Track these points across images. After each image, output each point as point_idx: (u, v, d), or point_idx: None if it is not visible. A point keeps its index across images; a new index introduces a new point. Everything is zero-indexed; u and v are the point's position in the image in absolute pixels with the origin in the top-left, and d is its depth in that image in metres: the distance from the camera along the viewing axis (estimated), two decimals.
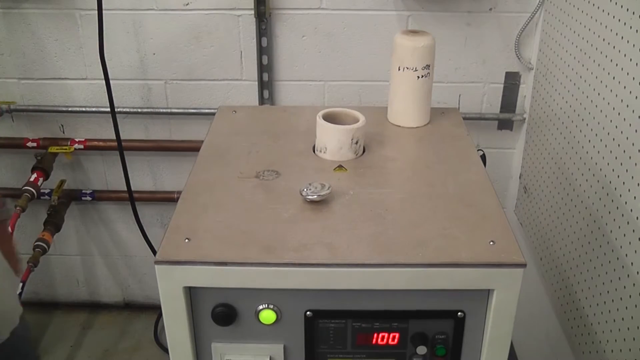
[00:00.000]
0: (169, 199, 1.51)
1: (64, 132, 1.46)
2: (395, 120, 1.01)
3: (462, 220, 0.74)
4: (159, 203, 1.55)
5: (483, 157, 1.35)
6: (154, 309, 1.68)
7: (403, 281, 0.68)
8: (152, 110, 1.43)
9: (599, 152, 1.02)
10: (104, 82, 1.31)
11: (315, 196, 0.76)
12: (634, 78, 0.91)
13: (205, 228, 0.72)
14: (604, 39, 1.01)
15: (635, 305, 0.88)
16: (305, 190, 0.76)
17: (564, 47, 1.18)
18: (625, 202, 0.92)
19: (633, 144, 0.91)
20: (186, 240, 0.69)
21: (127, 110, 1.43)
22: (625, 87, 0.93)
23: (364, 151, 0.91)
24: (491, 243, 0.69)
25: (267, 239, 0.70)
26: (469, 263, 0.67)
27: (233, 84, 1.40)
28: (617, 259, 0.94)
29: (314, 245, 0.69)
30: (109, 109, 1.34)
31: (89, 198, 1.51)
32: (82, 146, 1.43)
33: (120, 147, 1.36)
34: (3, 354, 0.82)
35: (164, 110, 1.43)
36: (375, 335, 0.71)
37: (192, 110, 1.42)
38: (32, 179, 1.40)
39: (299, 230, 0.72)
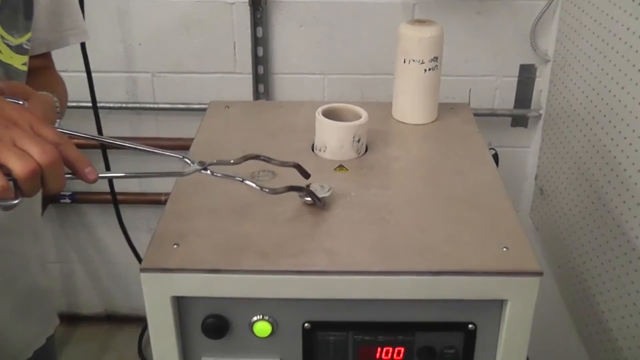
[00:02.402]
0: (156, 201, 1.52)
1: None
2: (401, 117, 1.01)
3: (472, 225, 0.75)
4: (145, 206, 1.56)
5: (495, 157, 1.36)
6: (139, 321, 1.69)
7: (408, 290, 0.68)
8: (138, 105, 1.44)
9: (622, 150, 1.03)
10: (85, 74, 1.32)
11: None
12: None
13: (195, 233, 0.73)
14: (627, 28, 1.01)
15: None
16: (306, 187, 0.77)
17: (584, 36, 1.18)
18: None
19: None
20: (175, 246, 0.70)
21: (111, 105, 1.43)
22: None
23: (366, 150, 0.91)
24: (504, 249, 0.70)
25: (262, 244, 0.71)
26: (480, 271, 0.67)
27: (226, 78, 1.41)
28: None
29: (313, 251, 0.70)
30: (90, 104, 1.35)
31: (68, 200, 1.52)
32: None
33: (103, 145, 1.37)
34: None
35: (151, 106, 1.44)
36: (379, 349, 0.72)
37: (182, 106, 1.43)
38: None
39: (296, 235, 0.72)
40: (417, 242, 0.71)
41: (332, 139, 0.88)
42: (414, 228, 0.74)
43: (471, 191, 0.82)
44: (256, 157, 0.76)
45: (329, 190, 0.77)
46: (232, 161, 0.74)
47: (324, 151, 0.89)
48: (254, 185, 0.72)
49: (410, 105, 0.99)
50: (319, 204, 0.76)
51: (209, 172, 0.72)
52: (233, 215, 0.76)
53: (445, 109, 1.03)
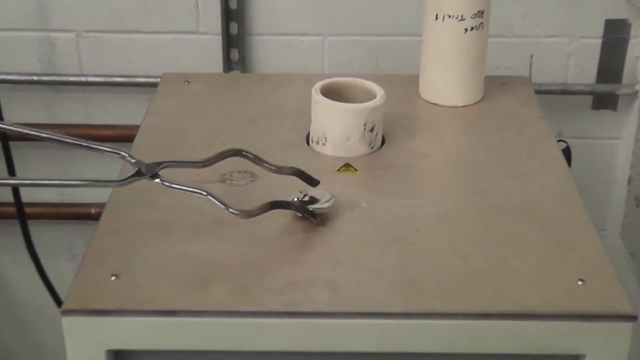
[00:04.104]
0: (83, 215, 1.52)
1: None
2: (431, 96, 1.03)
3: (533, 248, 0.77)
4: (67, 222, 1.56)
5: (567, 152, 1.36)
6: None
7: (442, 340, 0.70)
8: (56, 78, 1.45)
9: None
10: None
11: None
12: None
13: (142, 259, 0.75)
14: None
15: None
16: (295, 201, 0.79)
17: None
18: None
19: None
20: (112, 278, 0.72)
21: (16, 78, 1.44)
22: None
23: (382, 143, 0.94)
24: (579, 283, 0.72)
25: (238, 274, 0.73)
26: (544, 313, 0.69)
27: (184, 40, 1.41)
28: None
29: (309, 283, 0.72)
30: None
31: None
32: None
33: (5, 136, 1.38)
34: None
35: (76, 79, 1.44)
36: None
37: (120, 79, 1.44)
38: None
39: (285, 262, 0.75)
40: (454, 273, 0.74)
41: (335, 128, 0.90)
42: (449, 252, 0.76)
43: (531, 201, 0.84)
44: (237, 152, 0.76)
45: (329, 200, 0.80)
46: (202, 161, 0.75)
47: (324, 144, 0.91)
48: (218, 203, 0.73)
49: (445, 79, 1.01)
50: (314, 222, 0.79)
51: (158, 181, 0.73)
52: (196, 234, 0.78)
53: (495, 85, 1.06)
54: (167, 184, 0.74)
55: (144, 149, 0.91)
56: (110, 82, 1.44)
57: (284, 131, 0.96)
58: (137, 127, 0.98)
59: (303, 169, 0.81)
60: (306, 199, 0.79)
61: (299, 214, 0.79)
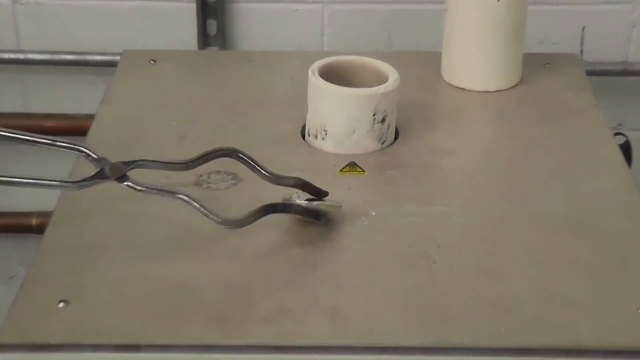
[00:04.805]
0: (21, 226, 1.53)
1: None
2: (456, 79, 1.04)
3: (583, 268, 0.77)
4: (0, 236, 1.57)
5: (626, 147, 1.37)
6: None
7: None
8: None
9: None
10: None
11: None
12: None
13: (98, 281, 0.75)
14: None
15: None
16: (293, 200, 0.79)
17: None
18: None
19: None
20: (60, 305, 0.72)
21: None
22: None
23: (396, 137, 0.94)
24: None
25: (218, 300, 0.73)
26: (598, 349, 0.69)
27: (149, 8, 1.42)
28: None
29: (306, 311, 0.72)
30: None
31: None
32: None
33: None
34: None
35: (12, 56, 1.45)
36: None
37: (69, 57, 1.44)
38: None
39: (276, 284, 0.75)
40: (484, 297, 0.74)
41: (338, 118, 0.90)
42: (479, 273, 0.77)
43: (582, 209, 0.84)
44: (231, 153, 0.76)
45: (335, 206, 0.81)
46: (185, 162, 0.75)
47: (324, 139, 0.92)
48: (202, 210, 0.73)
49: (474, 58, 1.02)
50: (318, 222, 0.78)
51: (128, 183, 0.73)
52: (166, 250, 0.78)
53: (536, 65, 1.06)
54: (139, 187, 0.73)
55: (100, 146, 0.90)
56: (55, 61, 1.44)
57: (273, 122, 0.96)
58: (90, 117, 0.99)
59: (300, 169, 0.81)
60: (304, 202, 0.79)
61: (299, 216, 0.79)
